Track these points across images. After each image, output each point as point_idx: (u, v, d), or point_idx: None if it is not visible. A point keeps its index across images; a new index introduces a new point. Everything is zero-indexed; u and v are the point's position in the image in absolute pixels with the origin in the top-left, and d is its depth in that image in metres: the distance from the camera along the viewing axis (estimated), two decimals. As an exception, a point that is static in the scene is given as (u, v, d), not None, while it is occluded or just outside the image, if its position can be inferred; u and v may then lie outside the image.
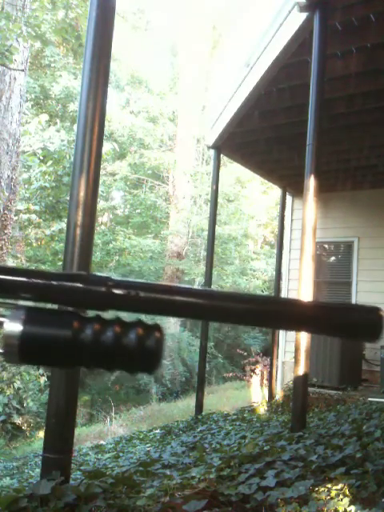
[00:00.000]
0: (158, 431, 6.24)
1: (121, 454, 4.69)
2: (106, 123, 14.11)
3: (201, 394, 6.60)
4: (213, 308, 0.50)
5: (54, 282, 0.47)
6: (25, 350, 0.46)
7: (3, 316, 0.47)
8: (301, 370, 3.79)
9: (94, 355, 0.47)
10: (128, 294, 0.48)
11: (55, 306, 0.50)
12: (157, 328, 0.48)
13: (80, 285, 0.47)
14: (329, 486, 2.28)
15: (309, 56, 4.28)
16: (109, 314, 0.50)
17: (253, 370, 11.16)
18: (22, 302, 0.48)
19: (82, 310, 0.49)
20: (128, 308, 0.49)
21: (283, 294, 8.42)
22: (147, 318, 0.53)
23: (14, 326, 0.45)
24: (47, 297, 0.48)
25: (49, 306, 0.50)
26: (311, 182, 3.88)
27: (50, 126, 12.21)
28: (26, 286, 0.47)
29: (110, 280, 0.48)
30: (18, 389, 8.07)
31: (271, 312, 0.51)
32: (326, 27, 4.04)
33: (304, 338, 3.81)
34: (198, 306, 0.50)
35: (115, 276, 0.49)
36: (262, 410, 6.88)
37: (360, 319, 0.52)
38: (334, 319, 0.52)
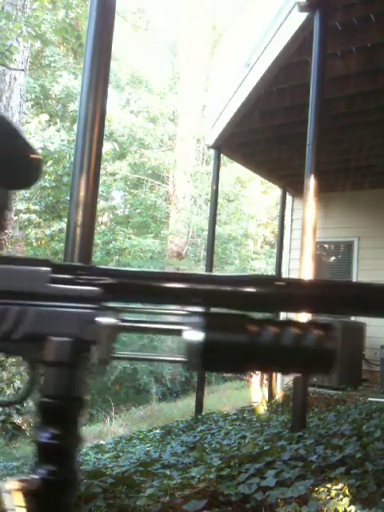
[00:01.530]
0: (157, 431, 6.23)
1: (121, 454, 4.69)
2: (106, 123, 14.09)
3: (201, 394, 6.60)
4: None
5: (225, 288, 0.45)
6: (208, 358, 0.44)
7: (181, 324, 0.45)
8: (301, 370, 3.78)
9: (273, 358, 0.45)
10: (299, 293, 0.45)
11: (225, 311, 0.47)
12: (331, 327, 0.45)
13: (251, 289, 0.45)
14: (329, 485, 2.28)
15: (309, 56, 4.27)
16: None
17: (253, 370, 11.13)
18: (191, 308, 0.46)
19: (251, 313, 0.46)
20: (298, 309, 0.48)
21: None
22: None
23: (196, 334, 0.43)
24: (217, 301, 0.46)
25: (221, 310, 0.47)
26: (311, 182, 3.88)
27: (50, 125, 12.20)
28: (197, 292, 0.46)
29: (276, 279, 0.46)
30: (18, 389, 8.07)
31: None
32: (326, 27, 4.04)
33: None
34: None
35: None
36: (261, 409, 6.88)
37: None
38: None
